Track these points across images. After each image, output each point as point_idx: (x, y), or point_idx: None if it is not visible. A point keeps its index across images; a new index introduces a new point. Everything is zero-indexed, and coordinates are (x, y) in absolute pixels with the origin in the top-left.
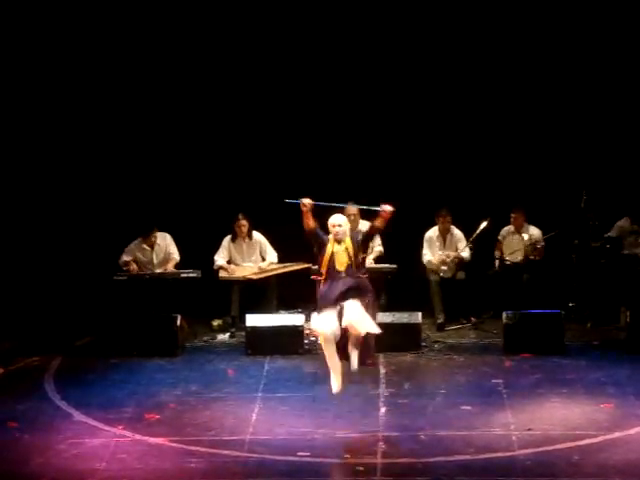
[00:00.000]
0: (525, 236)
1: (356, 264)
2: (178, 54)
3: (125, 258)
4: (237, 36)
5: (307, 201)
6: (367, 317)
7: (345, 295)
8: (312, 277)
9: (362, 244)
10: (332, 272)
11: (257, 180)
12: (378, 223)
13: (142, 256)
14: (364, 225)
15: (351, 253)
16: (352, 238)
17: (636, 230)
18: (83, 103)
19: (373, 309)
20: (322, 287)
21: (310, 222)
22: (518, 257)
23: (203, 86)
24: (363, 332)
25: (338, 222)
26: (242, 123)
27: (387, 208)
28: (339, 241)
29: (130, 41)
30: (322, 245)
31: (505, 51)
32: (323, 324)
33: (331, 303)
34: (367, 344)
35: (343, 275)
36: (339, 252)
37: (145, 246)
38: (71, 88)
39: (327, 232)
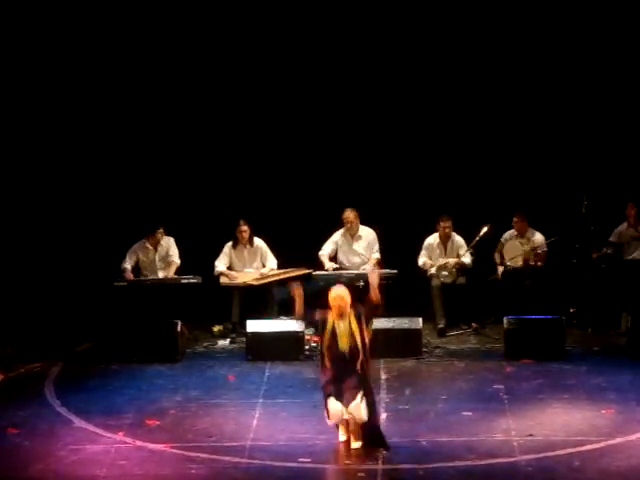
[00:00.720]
0: (528, 242)
1: (362, 344)
2: (183, 64)
3: (125, 264)
4: (241, 47)
5: (297, 287)
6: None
7: (351, 395)
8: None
9: (365, 324)
10: (335, 352)
11: (258, 187)
12: (372, 302)
13: (144, 257)
14: (363, 230)
15: (356, 333)
16: (356, 316)
17: (636, 235)
18: (86, 112)
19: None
20: (326, 372)
21: (299, 309)
22: (518, 262)
23: (206, 94)
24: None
25: (340, 296)
26: (244, 130)
27: (373, 279)
28: (341, 316)
29: (132, 44)
30: (322, 324)
31: (507, 57)
32: (333, 414)
33: (337, 397)
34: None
35: (347, 357)
36: (341, 330)
37: (148, 245)
38: (74, 94)
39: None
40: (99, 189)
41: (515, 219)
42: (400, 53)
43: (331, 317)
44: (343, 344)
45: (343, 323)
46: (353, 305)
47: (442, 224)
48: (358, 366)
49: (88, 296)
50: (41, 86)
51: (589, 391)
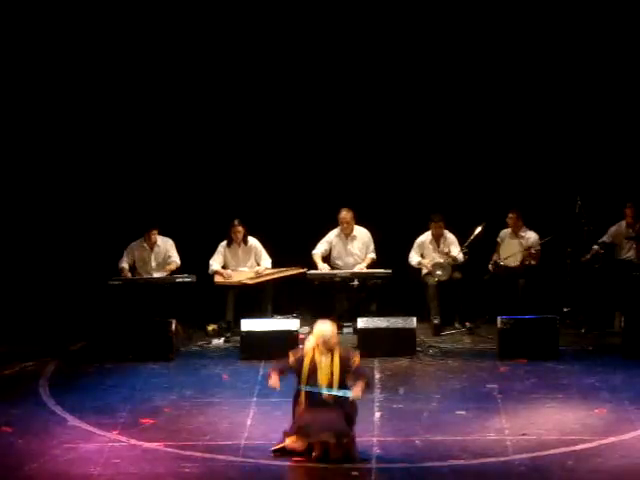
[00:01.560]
0: (522, 241)
1: (339, 385)
2: (179, 65)
3: (122, 263)
4: (239, 47)
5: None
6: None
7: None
8: None
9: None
10: (312, 385)
11: (253, 186)
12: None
13: (140, 256)
14: (358, 231)
15: (336, 371)
16: (343, 357)
17: (631, 235)
18: (84, 112)
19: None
20: (301, 407)
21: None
22: (514, 262)
23: (202, 95)
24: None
25: (325, 333)
26: (239, 129)
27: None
28: (328, 351)
29: (131, 44)
30: (300, 361)
31: (501, 57)
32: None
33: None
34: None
35: (325, 394)
36: (323, 365)
37: (145, 245)
38: (71, 95)
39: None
40: (93, 188)
41: (510, 215)
42: (394, 55)
43: (311, 352)
44: (322, 380)
45: (325, 358)
46: (345, 348)
47: (434, 224)
48: (331, 401)
49: (82, 295)
50: (39, 86)
51: (582, 390)
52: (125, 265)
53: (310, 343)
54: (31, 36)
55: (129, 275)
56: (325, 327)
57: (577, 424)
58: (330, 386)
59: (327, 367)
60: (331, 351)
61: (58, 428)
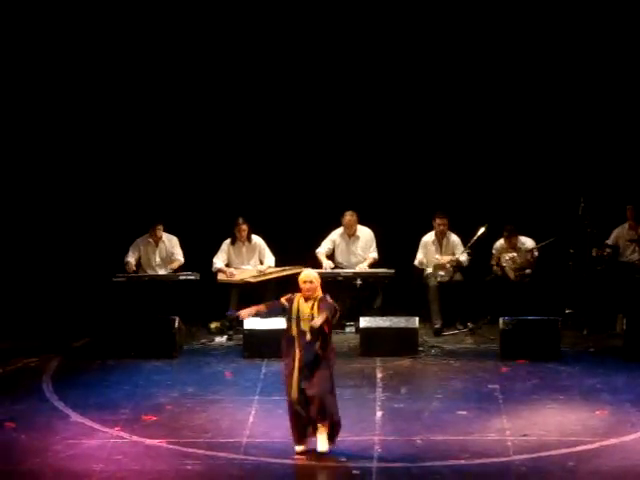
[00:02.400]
0: (515, 256)
1: (320, 329)
2: (183, 63)
3: (128, 258)
4: (243, 46)
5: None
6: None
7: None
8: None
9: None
10: (297, 332)
11: (256, 184)
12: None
13: (145, 252)
14: (361, 230)
15: (316, 317)
16: (321, 305)
17: (633, 238)
18: (88, 108)
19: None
20: (285, 344)
21: (261, 307)
22: (510, 275)
23: (205, 92)
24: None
25: (309, 279)
26: (243, 128)
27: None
28: (307, 299)
29: (132, 40)
30: (289, 303)
31: (504, 58)
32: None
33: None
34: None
35: (308, 337)
36: (304, 311)
37: (150, 240)
38: (76, 90)
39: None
40: (98, 185)
41: (506, 233)
42: (398, 56)
43: (297, 298)
44: (304, 325)
45: (307, 305)
46: (324, 298)
47: (437, 221)
48: (317, 347)
49: (86, 291)
50: (43, 81)
51: (584, 392)
52: (131, 260)
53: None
54: (31, 36)
55: (134, 269)
56: (307, 274)
57: (578, 425)
58: (312, 331)
59: (308, 312)
60: (312, 299)
61: (61, 424)
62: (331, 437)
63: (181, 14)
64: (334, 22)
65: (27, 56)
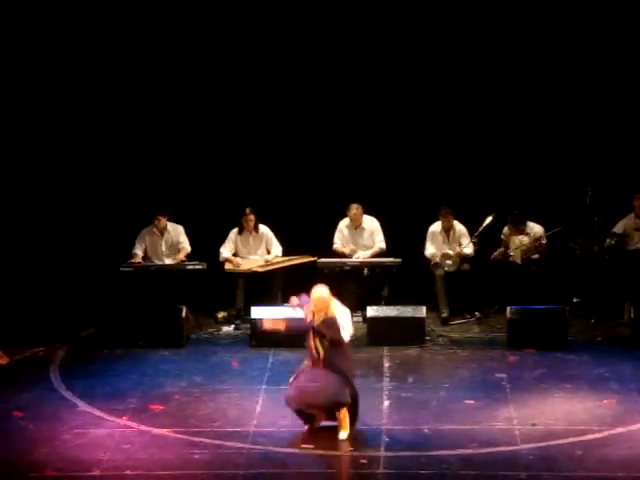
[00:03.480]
0: (525, 238)
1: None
2: (191, 54)
3: (135, 250)
4: (249, 41)
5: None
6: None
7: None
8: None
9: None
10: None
11: (264, 174)
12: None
13: (151, 242)
14: (366, 221)
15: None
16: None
17: None
18: (93, 100)
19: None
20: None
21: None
22: (517, 260)
23: (212, 84)
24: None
25: (322, 299)
26: (250, 118)
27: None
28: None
29: (135, 38)
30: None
31: (507, 48)
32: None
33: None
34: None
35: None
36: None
37: (155, 231)
38: (81, 82)
39: None
40: (106, 174)
41: (510, 217)
42: (402, 46)
43: (311, 315)
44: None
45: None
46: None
47: (443, 213)
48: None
49: (93, 281)
50: (44, 74)
51: (591, 381)
52: (138, 252)
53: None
54: (31, 35)
55: (142, 262)
56: (320, 294)
57: (586, 414)
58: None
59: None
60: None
61: (68, 413)
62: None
63: (182, 15)
64: (337, 20)
65: (27, 53)
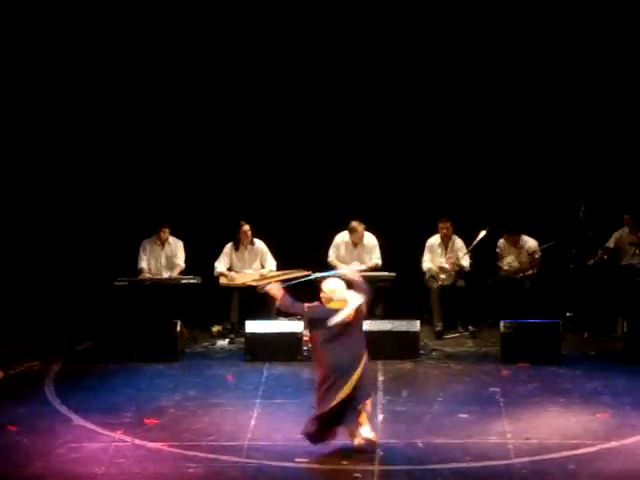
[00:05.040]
0: (515, 262)
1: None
2: (189, 68)
3: (141, 263)
4: (247, 50)
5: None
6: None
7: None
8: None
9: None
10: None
11: (258, 188)
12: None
13: (151, 252)
14: (366, 237)
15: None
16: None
17: (634, 241)
18: (91, 111)
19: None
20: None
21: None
22: (513, 272)
23: (209, 97)
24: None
25: (332, 290)
26: (245, 132)
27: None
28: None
29: (134, 46)
30: (315, 308)
31: (505, 62)
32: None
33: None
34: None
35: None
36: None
37: (157, 241)
38: (81, 93)
39: None
40: (101, 188)
41: (505, 228)
42: (401, 60)
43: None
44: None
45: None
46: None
47: (441, 225)
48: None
49: (88, 295)
50: (47, 84)
51: (584, 395)
52: (144, 265)
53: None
54: (32, 35)
55: (147, 276)
56: (332, 283)
57: (579, 428)
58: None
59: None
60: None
61: (63, 427)
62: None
63: (183, 23)
64: (337, 27)
65: (30, 63)
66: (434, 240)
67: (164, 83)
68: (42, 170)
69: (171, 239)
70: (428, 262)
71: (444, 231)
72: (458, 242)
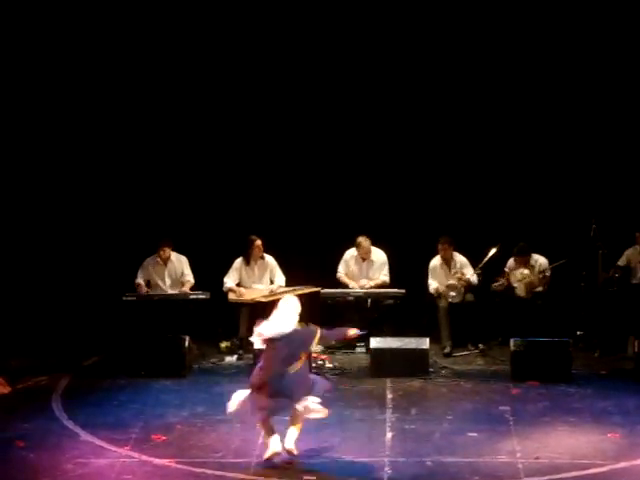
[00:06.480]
0: (525, 271)
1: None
2: (194, 79)
3: (138, 279)
4: (256, 62)
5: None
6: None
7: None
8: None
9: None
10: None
11: (267, 204)
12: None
13: (154, 272)
14: (375, 254)
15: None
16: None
17: None
18: (96, 126)
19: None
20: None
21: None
22: (521, 292)
23: (218, 110)
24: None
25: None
26: (255, 148)
27: (351, 333)
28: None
29: (138, 53)
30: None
31: (515, 76)
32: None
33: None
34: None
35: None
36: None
37: (159, 260)
38: (85, 113)
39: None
40: (108, 203)
41: (515, 250)
42: (415, 78)
43: None
44: None
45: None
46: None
47: (440, 247)
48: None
49: (96, 310)
50: (50, 100)
51: (595, 414)
52: (141, 281)
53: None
54: (38, 40)
55: (145, 290)
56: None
57: (589, 448)
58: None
59: None
60: None
61: (70, 443)
62: None
63: (188, 26)
64: (343, 36)
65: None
66: (436, 262)
67: (172, 96)
68: (51, 186)
69: (174, 256)
70: (434, 283)
71: (445, 252)
72: (461, 259)
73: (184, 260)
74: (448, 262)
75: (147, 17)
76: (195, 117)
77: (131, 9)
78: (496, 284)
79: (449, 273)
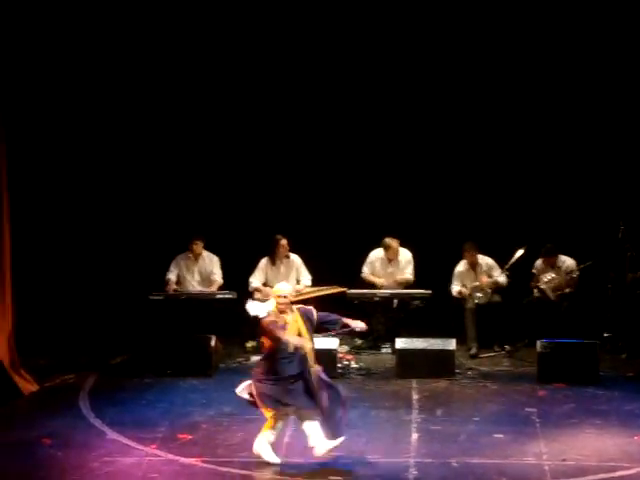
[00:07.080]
0: (551, 274)
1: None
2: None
3: (169, 275)
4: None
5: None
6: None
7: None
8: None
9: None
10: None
11: (293, 204)
12: (341, 323)
13: (185, 267)
14: (401, 253)
15: (302, 331)
16: (303, 315)
17: None
18: (125, 129)
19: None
20: (268, 367)
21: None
22: (550, 296)
23: (244, 110)
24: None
25: (283, 293)
26: (282, 149)
27: (359, 325)
28: (282, 312)
29: (153, 55)
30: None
31: (539, 80)
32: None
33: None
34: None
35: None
36: (290, 322)
37: (190, 255)
38: (111, 115)
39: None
40: (137, 203)
41: (543, 250)
42: (437, 80)
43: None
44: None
45: (289, 317)
46: (302, 307)
47: (466, 252)
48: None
49: (124, 309)
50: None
51: (622, 417)
52: (172, 277)
53: (270, 307)
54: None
55: (174, 287)
56: (282, 286)
57: (616, 450)
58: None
59: (294, 323)
60: (289, 312)
61: (97, 441)
62: None
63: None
64: (358, 40)
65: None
66: (462, 267)
67: (197, 98)
68: (81, 186)
69: (205, 254)
70: (457, 286)
71: (470, 258)
72: (488, 262)
73: (215, 260)
74: (474, 266)
75: (170, 19)
76: (223, 118)
77: (137, 11)
78: (534, 293)
79: (475, 278)
